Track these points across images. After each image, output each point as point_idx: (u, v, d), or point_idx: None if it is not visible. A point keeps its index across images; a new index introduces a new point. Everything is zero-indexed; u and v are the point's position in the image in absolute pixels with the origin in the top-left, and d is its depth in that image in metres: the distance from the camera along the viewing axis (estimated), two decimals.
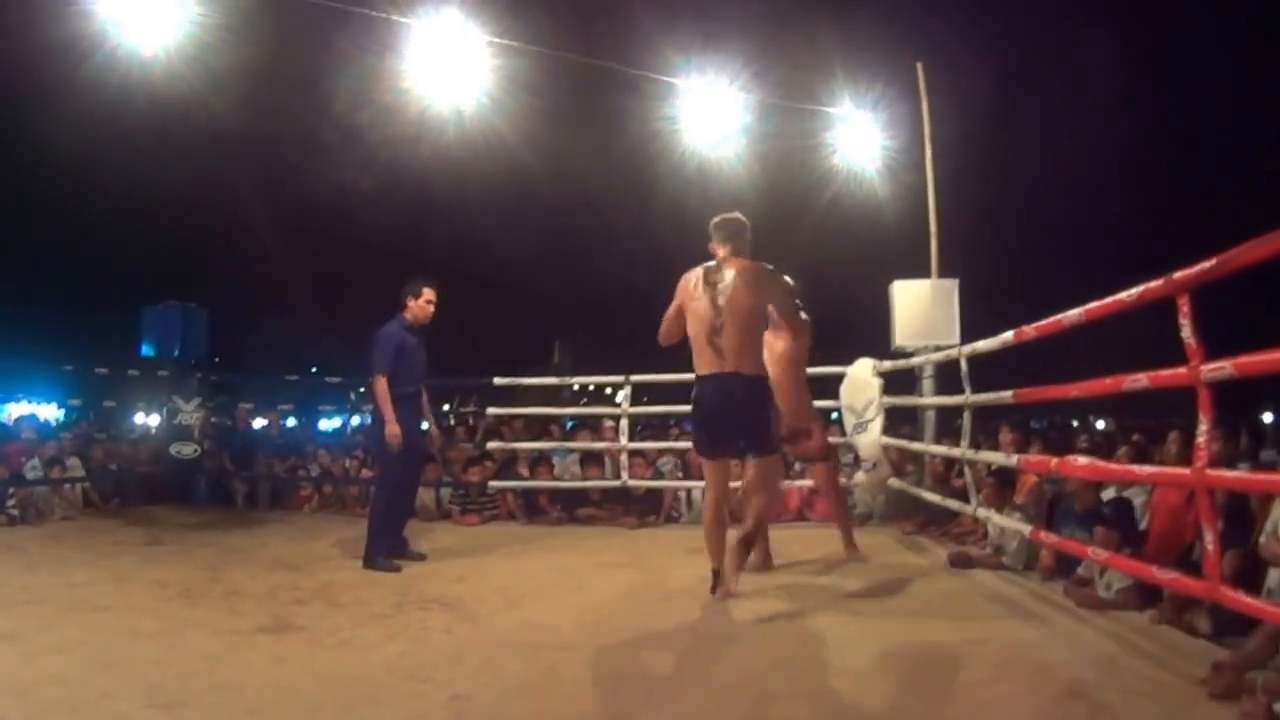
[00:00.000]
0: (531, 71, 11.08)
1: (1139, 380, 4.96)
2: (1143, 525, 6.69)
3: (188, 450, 12.22)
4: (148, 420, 13.26)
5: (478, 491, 11.25)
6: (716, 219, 6.66)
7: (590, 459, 11.62)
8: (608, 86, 12.20)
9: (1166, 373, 4.68)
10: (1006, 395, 7.21)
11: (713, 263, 6.53)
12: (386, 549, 7.95)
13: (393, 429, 7.86)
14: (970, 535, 8.73)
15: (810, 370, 8.16)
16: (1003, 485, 7.84)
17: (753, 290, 6.35)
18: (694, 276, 6.51)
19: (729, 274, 6.37)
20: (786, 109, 12.27)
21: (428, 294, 8.21)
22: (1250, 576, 5.17)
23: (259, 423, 14.17)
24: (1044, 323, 6.27)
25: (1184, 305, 4.48)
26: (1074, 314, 5.71)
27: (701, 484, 8.09)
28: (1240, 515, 5.52)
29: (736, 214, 6.73)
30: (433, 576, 7.40)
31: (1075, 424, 14.91)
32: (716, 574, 6.58)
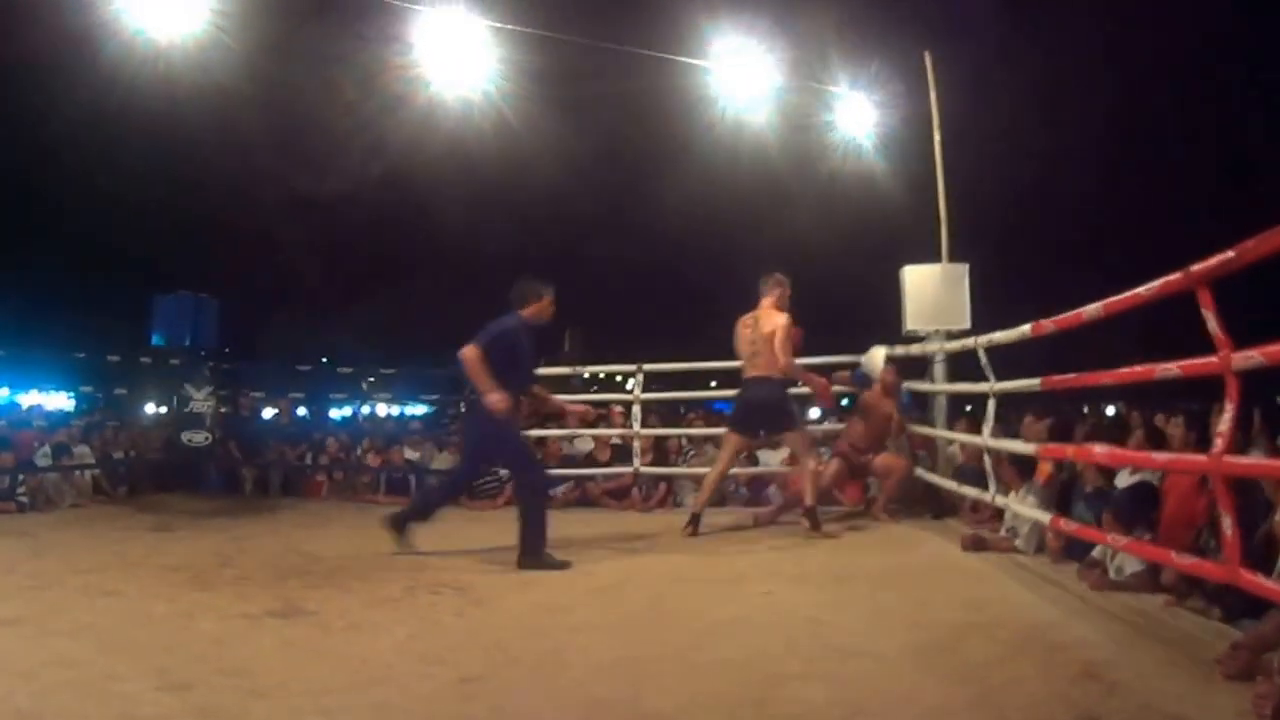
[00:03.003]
0: (538, 57, 11.03)
1: (1170, 369, 4.92)
2: None
3: (198, 438, 12.24)
4: (160, 409, 13.25)
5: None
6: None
7: (600, 443, 11.61)
8: (618, 71, 12.13)
9: (1198, 361, 4.63)
10: (1034, 383, 7.16)
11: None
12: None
13: (495, 396, 7.43)
14: (985, 519, 8.68)
15: (827, 358, 10.34)
16: (1023, 470, 7.80)
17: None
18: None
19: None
20: (801, 90, 12.22)
21: (550, 296, 8.08)
22: (1261, 559, 5.13)
23: (269, 411, 14.19)
24: (1062, 317, 6.24)
25: (1205, 297, 4.44)
26: (1093, 308, 5.70)
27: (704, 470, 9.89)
28: (1248, 498, 5.47)
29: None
30: (443, 560, 7.38)
31: (1085, 410, 14.79)
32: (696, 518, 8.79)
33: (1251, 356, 4.21)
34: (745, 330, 9.06)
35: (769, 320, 8.86)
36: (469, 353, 7.46)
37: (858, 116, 12.33)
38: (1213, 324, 4.40)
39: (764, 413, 9.03)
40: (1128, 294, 5.24)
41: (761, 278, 9.17)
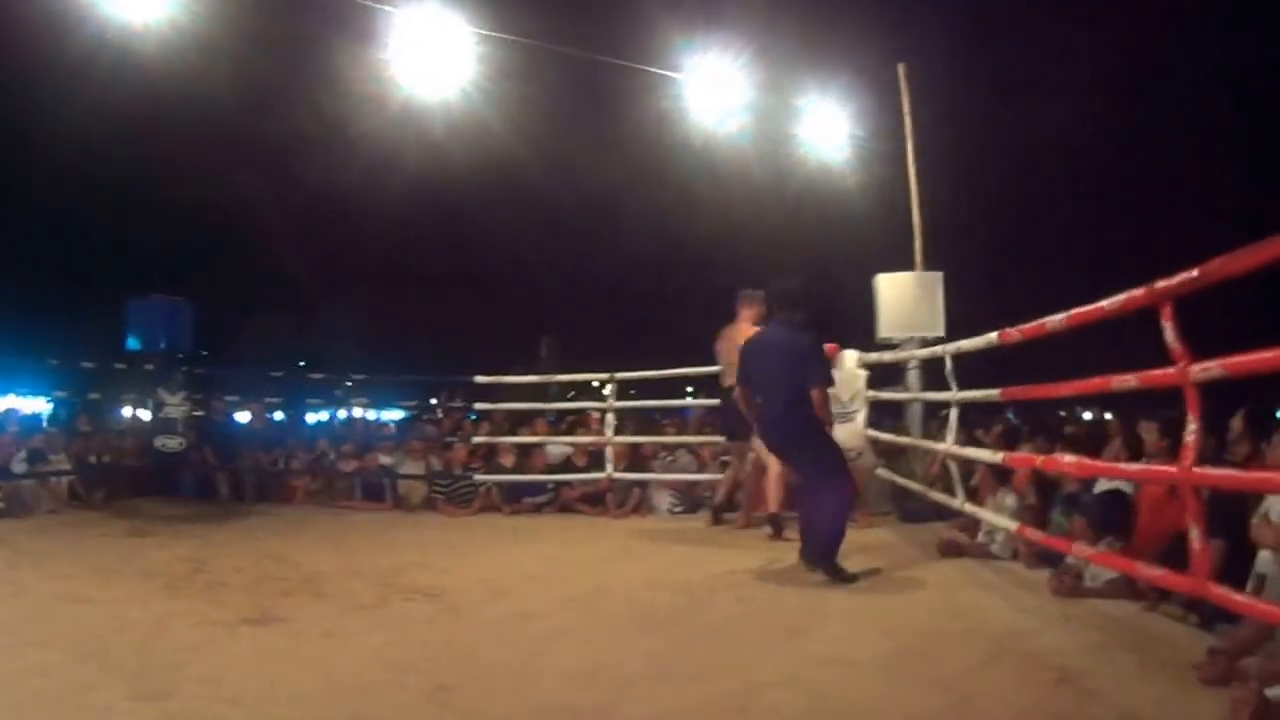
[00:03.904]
0: (519, 64, 11.08)
1: (1128, 381, 5.00)
2: None
3: (173, 443, 12.20)
4: (136, 414, 13.20)
5: (462, 481, 11.28)
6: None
7: (577, 450, 11.66)
8: (596, 79, 12.20)
9: (1156, 373, 4.72)
10: (994, 393, 7.26)
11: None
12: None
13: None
14: (966, 525, 8.71)
15: None
16: (999, 475, 7.85)
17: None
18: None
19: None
20: (776, 102, 12.31)
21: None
22: (1236, 565, 5.19)
23: (243, 416, 14.15)
24: (1027, 326, 6.32)
25: (1166, 312, 4.52)
26: (1057, 319, 5.77)
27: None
28: (1225, 503, 5.52)
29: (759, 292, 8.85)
30: (417, 568, 7.40)
31: (1063, 414, 14.87)
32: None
33: (1210, 368, 4.27)
34: (724, 344, 9.32)
35: (745, 334, 8.75)
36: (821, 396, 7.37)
37: (832, 127, 12.43)
38: (1171, 337, 4.48)
39: (739, 418, 8.87)
40: (1091, 307, 5.31)
41: (739, 292, 9.34)
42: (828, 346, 8.77)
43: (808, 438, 7.26)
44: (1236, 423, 6.49)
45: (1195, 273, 4.29)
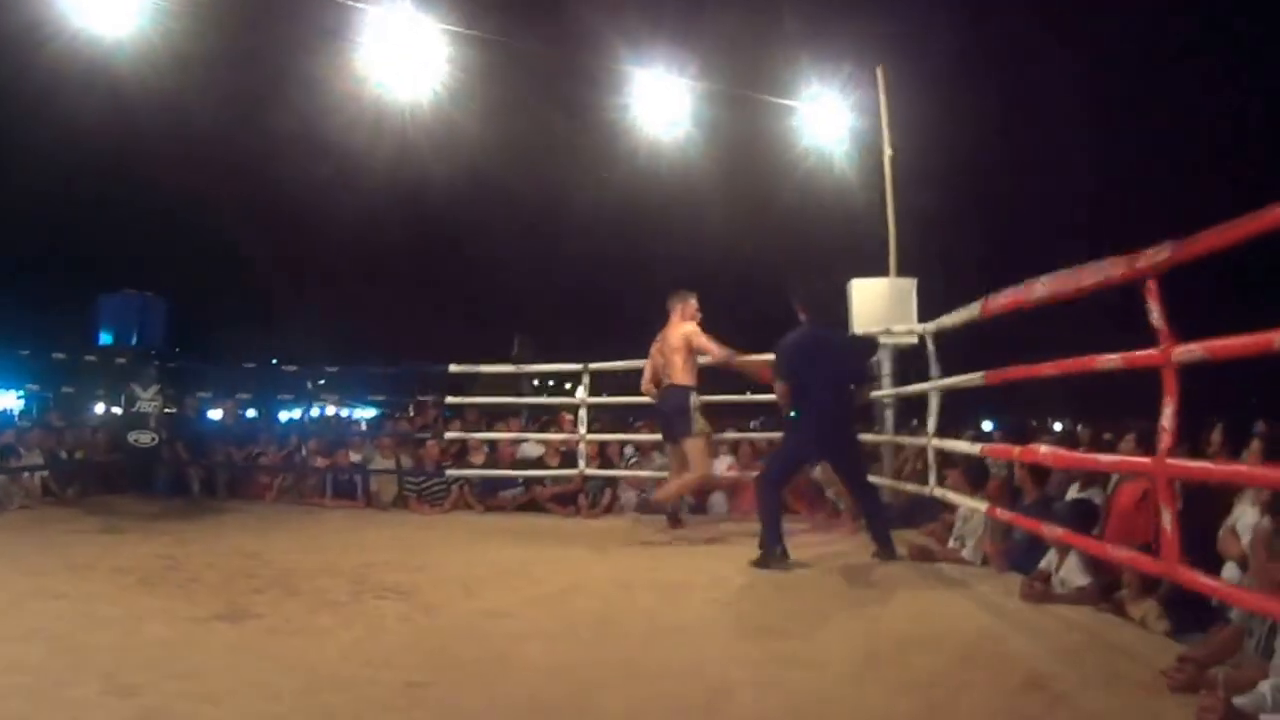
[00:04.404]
0: (489, 63, 11.10)
1: (1112, 360, 5.01)
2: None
3: (145, 438, 12.16)
4: (111, 409, 13.15)
5: (434, 479, 11.32)
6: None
7: (549, 448, 11.70)
8: (566, 76, 12.23)
9: (1140, 353, 4.72)
10: (977, 377, 7.28)
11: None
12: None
13: None
14: (931, 532, 8.76)
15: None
16: (975, 480, 7.92)
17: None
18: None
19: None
20: (746, 101, 12.36)
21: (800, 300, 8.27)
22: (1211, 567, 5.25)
23: (215, 413, 14.12)
24: (1009, 292, 6.32)
25: (1152, 288, 4.53)
26: (1040, 288, 5.77)
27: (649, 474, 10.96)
28: (1195, 518, 5.57)
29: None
30: (390, 565, 7.42)
31: (1034, 424, 14.98)
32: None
33: (1192, 350, 4.29)
34: (656, 345, 9.59)
35: (675, 332, 9.34)
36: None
37: (810, 128, 12.48)
38: (1156, 316, 4.51)
39: (669, 418, 9.35)
40: (1073, 275, 5.35)
41: (669, 295, 9.63)
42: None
43: (854, 436, 8.10)
44: (1216, 435, 6.58)
45: (1179, 245, 4.31)
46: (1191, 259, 4.29)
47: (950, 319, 7.82)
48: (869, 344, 8.16)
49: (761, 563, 7.34)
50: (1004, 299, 6.45)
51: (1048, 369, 5.94)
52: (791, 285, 8.19)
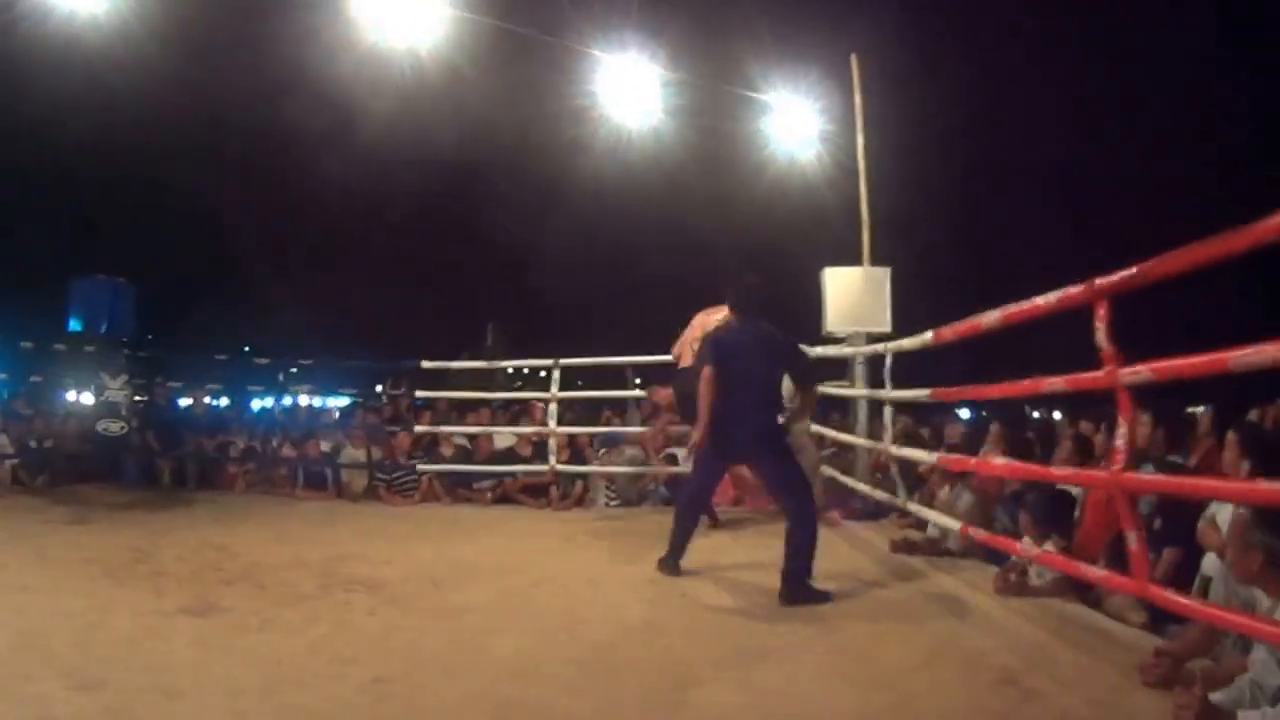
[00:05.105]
0: (465, 49, 11.06)
1: (1056, 384, 5.07)
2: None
3: (115, 427, 12.09)
4: (80, 398, 13.08)
5: (405, 471, 11.31)
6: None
7: (521, 439, 11.69)
8: (539, 60, 12.20)
9: (1085, 376, 4.78)
10: (924, 393, 7.37)
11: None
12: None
13: None
14: (912, 523, 8.77)
15: None
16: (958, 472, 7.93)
17: None
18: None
19: None
20: (720, 90, 12.37)
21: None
22: (1190, 567, 5.28)
23: (185, 401, 14.06)
24: (961, 325, 6.38)
25: (1101, 311, 4.56)
26: (992, 317, 5.79)
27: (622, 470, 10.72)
28: (1180, 510, 5.60)
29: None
30: (359, 558, 7.41)
31: (1035, 415, 14.97)
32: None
33: (1140, 372, 4.35)
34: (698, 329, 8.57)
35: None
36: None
37: (787, 118, 12.49)
38: (1103, 338, 4.54)
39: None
40: (1027, 305, 5.34)
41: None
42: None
43: (781, 441, 7.01)
44: (1204, 420, 6.60)
45: (1134, 270, 4.32)
46: (1145, 284, 4.31)
47: (908, 343, 7.89)
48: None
49: (663, 565, 7.01)
50: (955, 329, 6.51)
51: (993, 391, 5.98)
52: (722, 282, 7.55)
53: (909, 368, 8.71)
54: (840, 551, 7.86)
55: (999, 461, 6.61)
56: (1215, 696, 3.78)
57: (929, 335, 7.13)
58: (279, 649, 4.93)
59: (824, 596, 6.19)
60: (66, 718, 3.89)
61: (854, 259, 11.17)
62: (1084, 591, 5.85)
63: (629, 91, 11.98)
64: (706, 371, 6.83)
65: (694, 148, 13.60)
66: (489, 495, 11.21)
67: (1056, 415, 13.33)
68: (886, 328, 10.26)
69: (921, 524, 8.38)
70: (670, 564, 7.00)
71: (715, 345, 6.99)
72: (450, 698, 4.27)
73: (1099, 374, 4.62)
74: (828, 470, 10.30)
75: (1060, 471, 6.11)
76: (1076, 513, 6.60)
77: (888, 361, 8.28)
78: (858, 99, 11.50)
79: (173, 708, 4.04)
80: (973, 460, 6.95)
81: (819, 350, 10.44)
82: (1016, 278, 5.79)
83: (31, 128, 22.63)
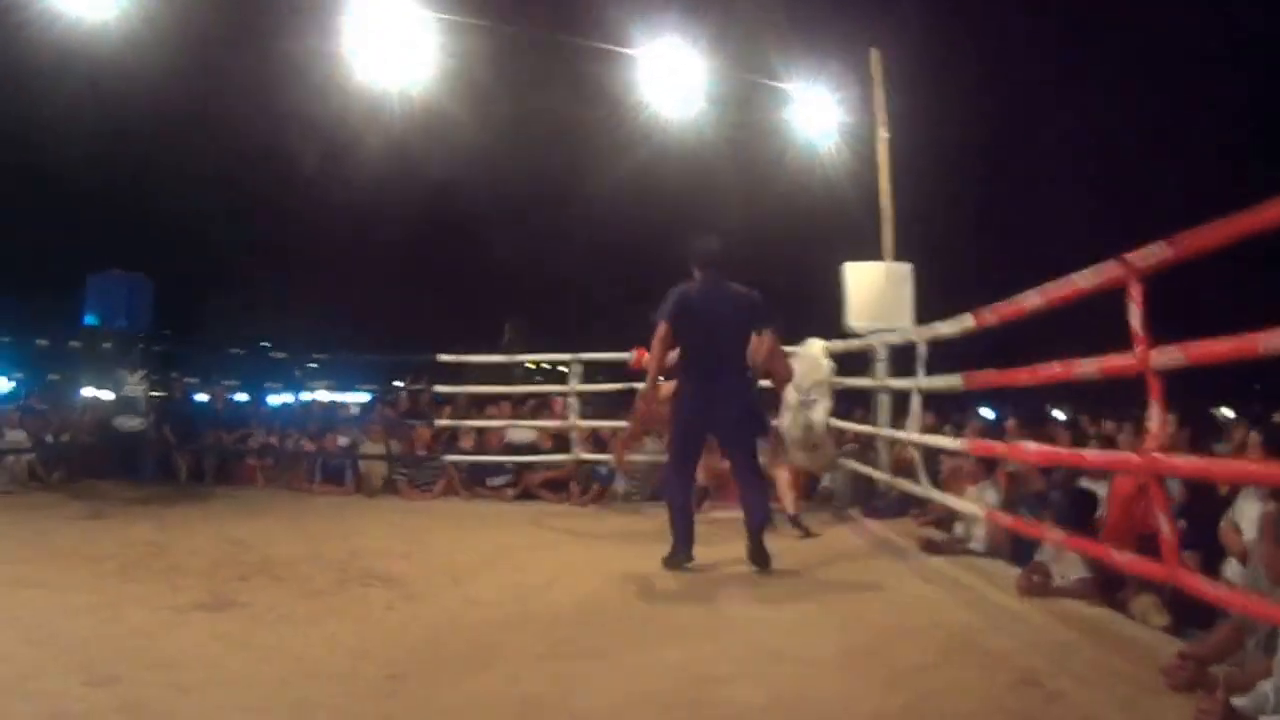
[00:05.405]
0: (482, 46, 11.01)
1: (1089, 367, 4.96)
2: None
3: (132, 423, 12.07)
4: (98, 393, 13.07)
5: (424, 464, 11.26)
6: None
7: (541, 434, 11.65)
8: (563, 60, 12.13)
9: (1117, 359, 4.65)
10: (956, 380, 7.20)
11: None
12: None
13: None
14: (933, 521, 8.68)
15: None
16: (986, 468, 7.83)
17: None
18: None
19: None
20: (743, 83, 12.28)
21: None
22: (1212, 575, 5.19)
23: (203, 397, 14.05)
24: (1003, 306, 6.23)
25: (1134, 291, 4.45)
26: (1032, 297, 5.65)
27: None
28: (1204, 515, 5.51)
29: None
30: (376, 553, 7.36)
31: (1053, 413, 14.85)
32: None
33: (1172, 354, 4.22)
34: None
35: None
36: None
37: (808, 112, 12.38)
38: (1135, 319, 4.43)
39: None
40: (1065, 284, 5.20)
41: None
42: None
43: (750, 408, 7.13)
44: (1238, 430, 6.49)
45: (1168, 246, 4.19)
46: (1181, 261, 4.19)
47: (945, 327, 7.68)
48: (761, 300, 7.34)
49: (669, 562, 6.97)
50: (997, 311, 6.36)
51: (1024, 376, 5.86)
52: (686, 246, 7.36)
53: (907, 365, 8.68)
54: (861, 550, 7.81)
55: (1031, 446, 6.48)
56: (1238, 701, 3.70)
57: (968, 318, 6.95)
58: (294, 644, 4.87)
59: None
60: (79, 713, 3.82)
61: (870, 251, 11.05)
62: (1108, 593, 5.74)
63: (662, 84, 11.89)
64: (662, 327, 6.88)
65: (715, 140, 13.49)
66: (509, 491, 11.15)
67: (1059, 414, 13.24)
68: (909, 324, 10.10)
69: (942, 523, 8.28)
70: (677, 558, 6.96)
71: (679, 300, 6.97)
72: (465, 695, 4.20)
73: (1130, 358, 4.50)
74: (849, 464, 10.18)
75: (1092, 455, 6.00)
76: (1099, 514, 6.51)
77: (921, 350, 8.11)
78: (878, 93, 11.39)
79: (187, 702, 3.97)
80: (1001, 446, 6.81)
81: (840, 344, 10.30)
82: (1039, 277, 5.63)
83: (47, 125, 22.63)
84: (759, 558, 6.80)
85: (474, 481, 11.31)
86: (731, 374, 6.97)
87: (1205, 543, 5.34)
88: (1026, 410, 9.03)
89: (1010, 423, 8.80)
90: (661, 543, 7.33)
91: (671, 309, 6.92)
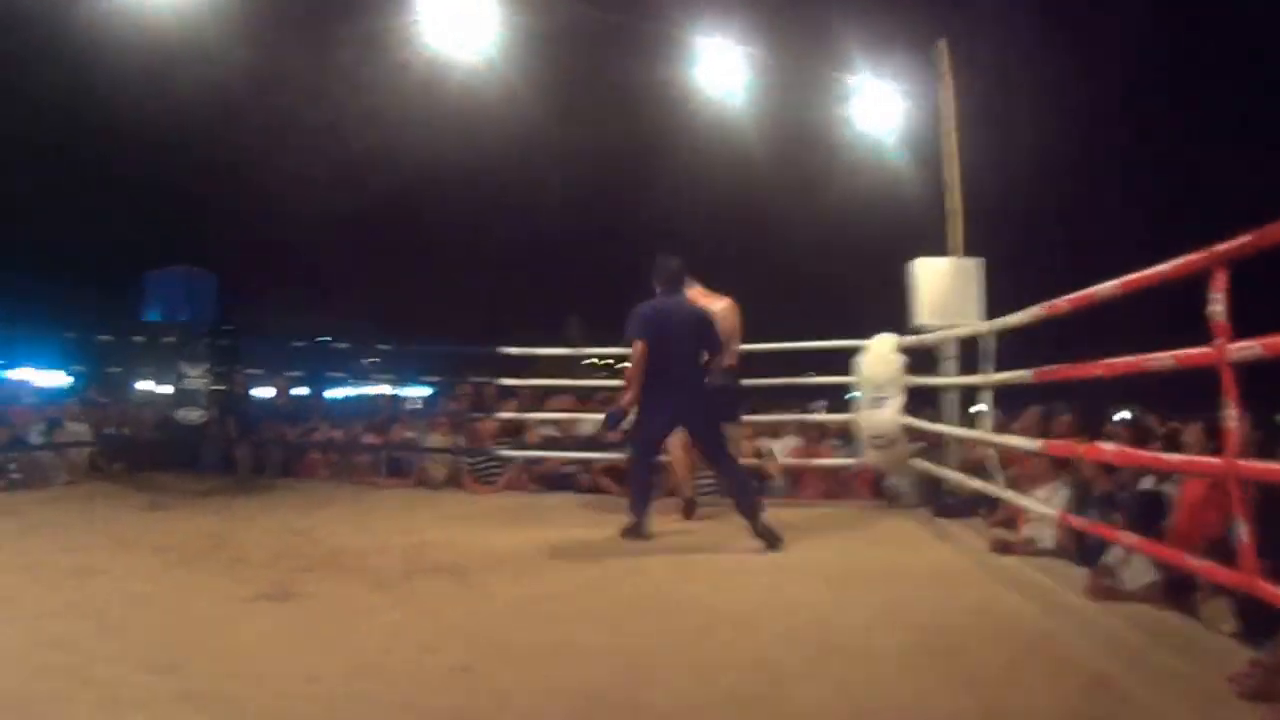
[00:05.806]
0: (549, 30, 10.92)
1: (1163, 360, 4.78)
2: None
3: (193, 416, 12.09)
4: (158, 387, 13.13)
5: (488, 458, 11.18)
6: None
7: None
8: (627, 48, 12.01)
9: (1192, 351, 4.47)
10: (1026, 375, 7.01)
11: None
12: None
13: None
14: (1002, 521, 8.49)
15: (823, 343, 10.71)
16: (1055, 464, 7.64)
17: None
18: None
19: None
20: (807, 77, 12.12)
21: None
22: None
23: (266, 391, 14.08)
24: (1076, 295, 6.05)
25: (1219, 279, 4.25)
26: (1109, 286, 5.48)
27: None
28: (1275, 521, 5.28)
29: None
30: (442, 545, 7.28)
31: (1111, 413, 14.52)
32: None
33: (1250, 347, 4.03)
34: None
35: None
36: None
37: (871, 106, 12.19)
38: (1218, 308, 4.23)
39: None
40: (1146, 272, 5.04)
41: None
42: None
43: (711, 404, 7.96)
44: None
45: (1256, 234, 4.01)
46: (1267, 248, 3.99)
47: (1015, 318, 7.49)
48: (710, 319, 8.13)
49: (627, 532, 7.68)
50: (1071, 301, 6.16)
51: (1098, 369, 5.67)
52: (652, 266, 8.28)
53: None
54: (931, 549, 7.63)
55: (1109, 448, 6.26)
56: None
57: (1040, 308, 6.75)
58: (358, 636, 4.79)
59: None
60: (140, 701, 3.76)
61: (933, 247, 10.81)
62: (1178, 598, 5.54)
63: (723, 86, 11.78)
64: (639, 346, 7.71)
65: (774, 131, 13.35)
66: (573, 482, 11.03)
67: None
68: (978, 321, 9.85)
69: (1009, 523, 8.08)
70: (633, 529, 7.67)
71: (647, 318, 7.84)
72: (531, 688, 4.09)
73: (1207, 350, 4.29)
74: (920, 464, 9.96)
75: (1173, 459, 5.79)
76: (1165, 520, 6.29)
77: (991, 344, 7.95)
78: (944, 86, 11.16)
79: (249, 692, 3.89)
80: (1080, 446, 6.59)
81: (911, 340, 10.09)
82: (1107, 273, 5.46)
83: (106, 121, 22.89)
84: (765, 536, 7.36)
85: (539, 474, 11.21)
86: (691, 374, 7.84)
87: (1276, 550, 5.09)
88: (1081, 407, 8.76)
89: (1064, 419, 8.52)
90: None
91: (644, 326, 7.78)
